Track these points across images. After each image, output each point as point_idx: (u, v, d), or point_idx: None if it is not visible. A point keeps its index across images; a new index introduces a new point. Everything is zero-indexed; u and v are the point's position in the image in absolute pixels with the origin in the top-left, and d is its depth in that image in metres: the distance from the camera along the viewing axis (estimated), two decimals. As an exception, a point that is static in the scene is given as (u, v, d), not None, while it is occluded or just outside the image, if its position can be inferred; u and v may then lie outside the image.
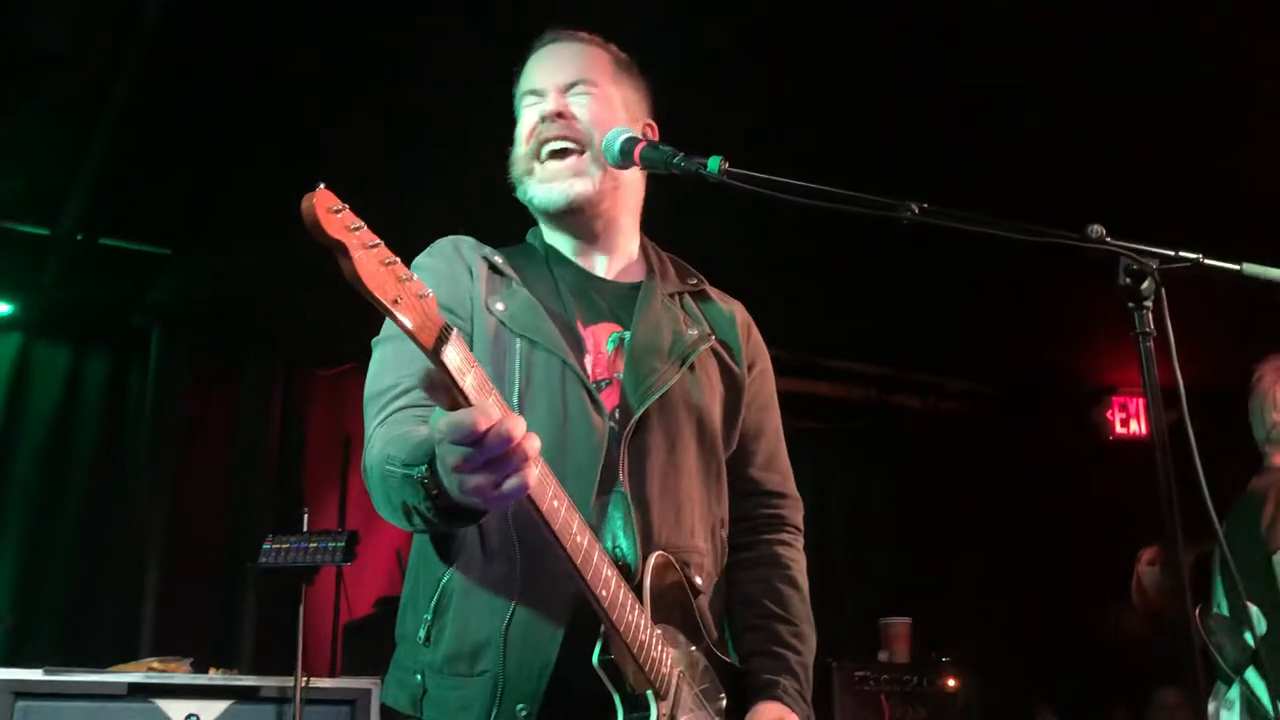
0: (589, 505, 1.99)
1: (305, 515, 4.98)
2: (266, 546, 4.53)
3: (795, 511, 2.41)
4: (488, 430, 1.55)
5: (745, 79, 4.43)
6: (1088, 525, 7.78)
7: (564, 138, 2.20)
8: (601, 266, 2.29)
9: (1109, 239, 1.80)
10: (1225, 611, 3.33)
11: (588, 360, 2.13)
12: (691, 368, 2.20)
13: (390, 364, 2.05)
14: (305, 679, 4.33)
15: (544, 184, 2.21)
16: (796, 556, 2.37)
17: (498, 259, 2.20)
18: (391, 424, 1.95)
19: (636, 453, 2.08)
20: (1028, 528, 7.85)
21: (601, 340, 2.18)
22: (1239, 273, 1.89)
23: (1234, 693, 3.31)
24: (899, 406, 7.86)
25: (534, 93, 2.26)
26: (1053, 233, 1.81)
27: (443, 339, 1.55)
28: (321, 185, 1.45)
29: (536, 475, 1.65)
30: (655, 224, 2.39)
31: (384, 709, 2.09)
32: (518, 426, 1.57)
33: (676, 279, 2.34)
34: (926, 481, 7.68)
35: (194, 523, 5.96)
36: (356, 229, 1.47)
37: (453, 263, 2.17)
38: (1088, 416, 7.95)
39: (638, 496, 2.05)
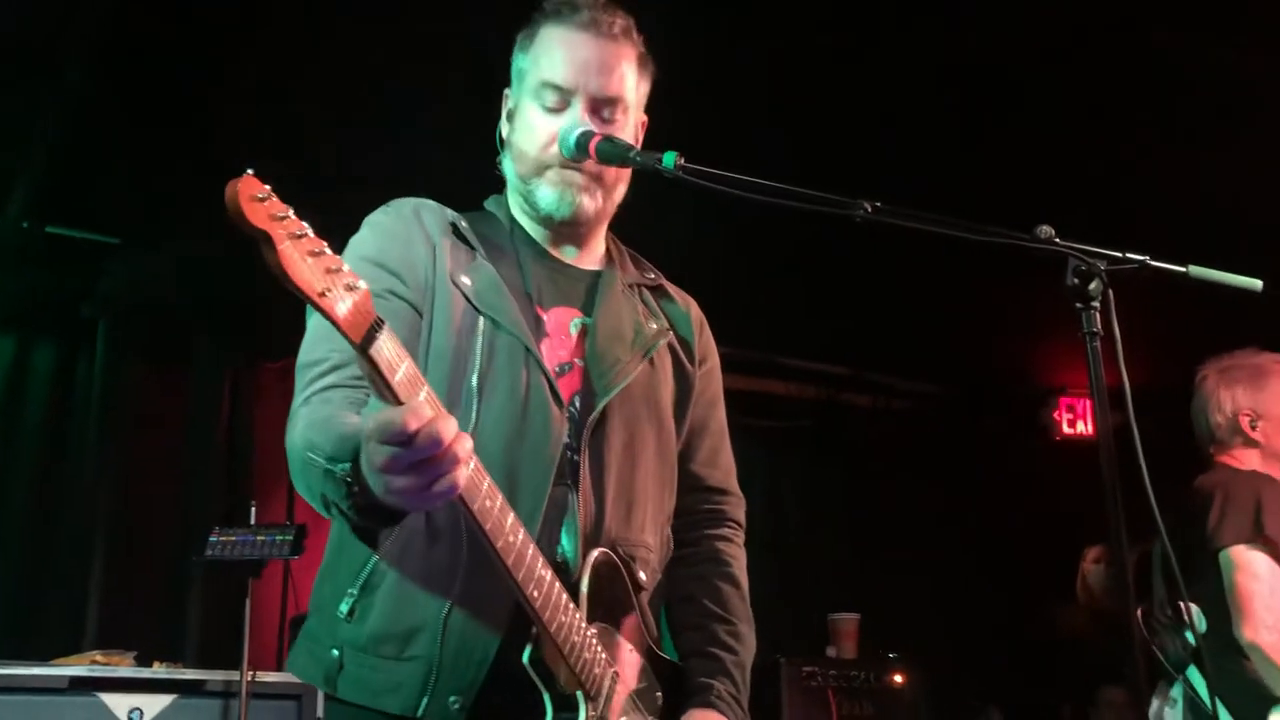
0: (544, 495, 1.97)
1: (253, 508, 4.94)
2: (213, 539, 4.49)
3: (737, 508, 2.40)
4: (418, 431, 1.50)
5: (706, 77, 4.44)
6: (1035, 524, 7.86)
7: (594, 174, 2.15)
8: (568, 254, 2.26)
9: (1058, 240, 1.83)
10: (1168, 610, 3.38)
11: (546, 344, 2.10)
12: (651, 361, 2.20)
13: (321, 334, 1.96)
14: (251, 673, 4.30)
15: (555, 188, 2.14)
16: (736, 553, 2.36)
17: (463, 224, 2.14)
18: (318, 403, 1.88)
19: (596, 444, 2.06)
20: (976, 526, 7.92)
21: (563, 324, 2.16)
22: (1185, 275, 1.92)
23: (1177, 690, 3.36)
24: (850, 405, 7.91)
25: (561, 91, 2.13)
26: (1002, 233, 1.83)
27: (372, 334, 1.49)
28: (248, 171, 1.40)
29: (467, 475, 1.60)
30: (615, 219, 2.38)
31: (329, 703, 2.00)
32: (448, 428, 1.53)
33: (636, 272, 2.33)
34: (877, 479, 7.73)
35: (140, 515, 5.87)
36: (282, 217, 1.41)
37: (410, 226, 2.10)
38: (1036, 417, 8.05)
39: (595, 490, 2.04)
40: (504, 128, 2.25)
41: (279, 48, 4.31)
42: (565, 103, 2.14)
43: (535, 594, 1.80)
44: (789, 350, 7.52)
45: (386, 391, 1.53)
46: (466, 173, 2.37)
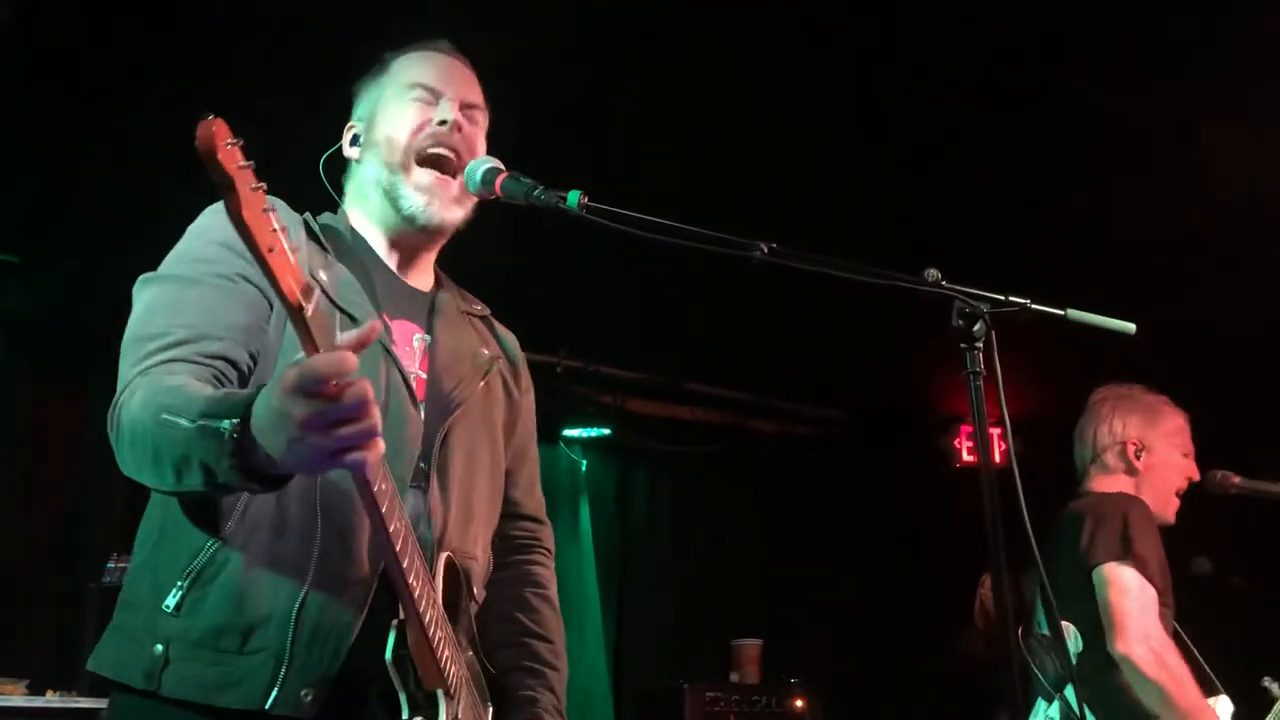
0: (404, 493, 1.95)
1: (152, 533, 4.84)
2: (110, 565, 4.42)
3: (548, 536, 2.47)
4: (352, 381, 1.45)
5: (596, 115, 4.51)
6: (935, 550, 8.01)
7: (455, 151, 2.18)
8: (406, 273, 2.25)
9: (944, 283, 1.90)
10: (1046, 631, 3.48)
11: (395, 350, 2.07)
12: (486, 384, 2.23)
13: (163, 307, 1.90)
14: (148, 702, 4.21)
15: (422, 194, 2.15)
16: (550, 577, 2.43)
17: (315, 224, 2.13)
18: (160, 373, 1.80)
19: (443, 456, 2.06)
20: (878, 552, 8.04)
21: (407, 336, 2.15)
22: (1064, 317, 2.01)
23: (1054, 709, 3.46)
24: (756, 431, 7.99)
25: (428, 89, 2.21)
26: (891, 275, 1.91)
27: (307, 296, 1.46)
28: (219, 118, 1.41)
29: (381, 452, 1.55)
30: (520, 248, 2.42)
31: (137, 701, 1.86)
32: (371, 389, 1.49)
33: (465, 302, 2.35)
34: (782, 505, 7.81)
35: (33, 539, 5.74)
36: (244, 167, 1.41)
37: None
38: (936, 444, 8.21)
39: (441, 497, 2.04)
40: (349, 153, 2.28)
41: (182, 70, 4.27)
42: (434, 101, 2.21)
43: (414, 583, 1.77)
44: (696, 376, 7.59)
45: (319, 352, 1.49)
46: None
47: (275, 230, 1.43)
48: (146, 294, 1.95)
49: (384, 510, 1.66)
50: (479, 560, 2.16)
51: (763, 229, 2.05)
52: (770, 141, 4.81)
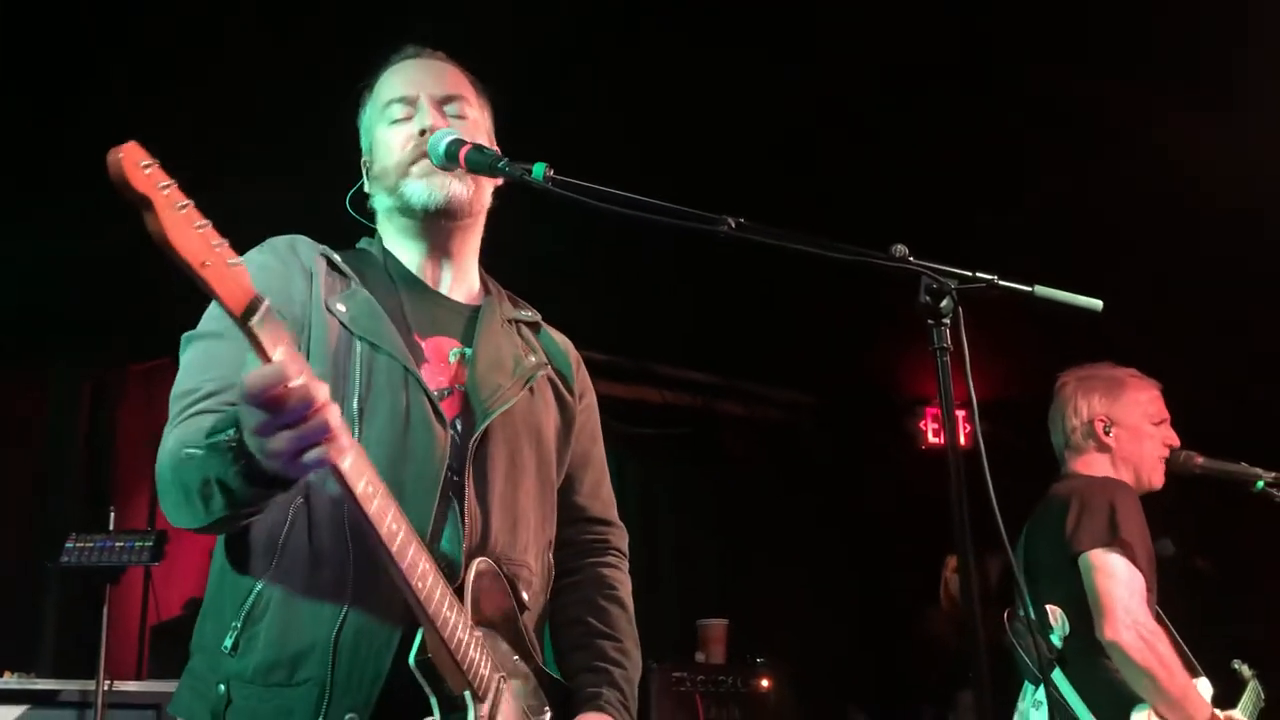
0: (429, 512, 1.96)
1: (112, 514, 4.81)
2: (69, 545, 4.37)
3: (620, 538, 2.46)
4: (291, 387, 1.51)
5: (569, 92, 4.49)
6: (900, 532, 8.07)
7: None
8: (444, 284, 2.26)
9: (911, 259, 1.89)
10: (1031, 614, 3.47)
11: (425, 369, 2.09)
12: (531, 390, 2.22)
13: (197, 365, 1.98)
14: (108, 683, 4.19)
15: (423, 179, 2.16)
16: (622, 579, 2.40)
17: (336, 257, 2.15)
18: (190, 421, 1.88)
19: (479, 464, 2.07)
20: (844, 534, 8.09)
21: (442, 352, 2.16)
22: (1031, 294, 2.00)
23: (1041, 693, 3.47)
24: (724, 414, 8.00)
25: (404, 101, 2.22)
26: (859, 251, 1.89)
27: (252, 308, 1.51)
28: (132, 141, 1.42)
29: (345, 449, 1.61)
30: (493, 228, 2.39)
31: None
32: (321, 390, 1.55)
33: (513, 309, 2.35)
34: (749, 487, 7.84)
35: (-7, 520, 5.69)
36: (165, 187, 1.42)
37: (288, 263, 2.09)
38: (902, 426, 8.25)
39: (480, 506, 2.04)
40: (370, 186, 2.30)
41: (149, 51, 4.22)
42: (411, 111, 2.22)
43: (420, 585, 1.79)
44: (664, 359, 7.59)
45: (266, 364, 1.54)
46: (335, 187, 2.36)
47: (213, 246, 1.47)
48: (186, 354, 2.03)
49: (371, 511, 1.70)
50: (530, 568, 2.15)
51: (730, 209, 2.02)
52: (739, 123, 4.80)
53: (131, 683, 4.34)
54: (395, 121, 2.22)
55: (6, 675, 4.25)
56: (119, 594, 4.71)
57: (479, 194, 2.22)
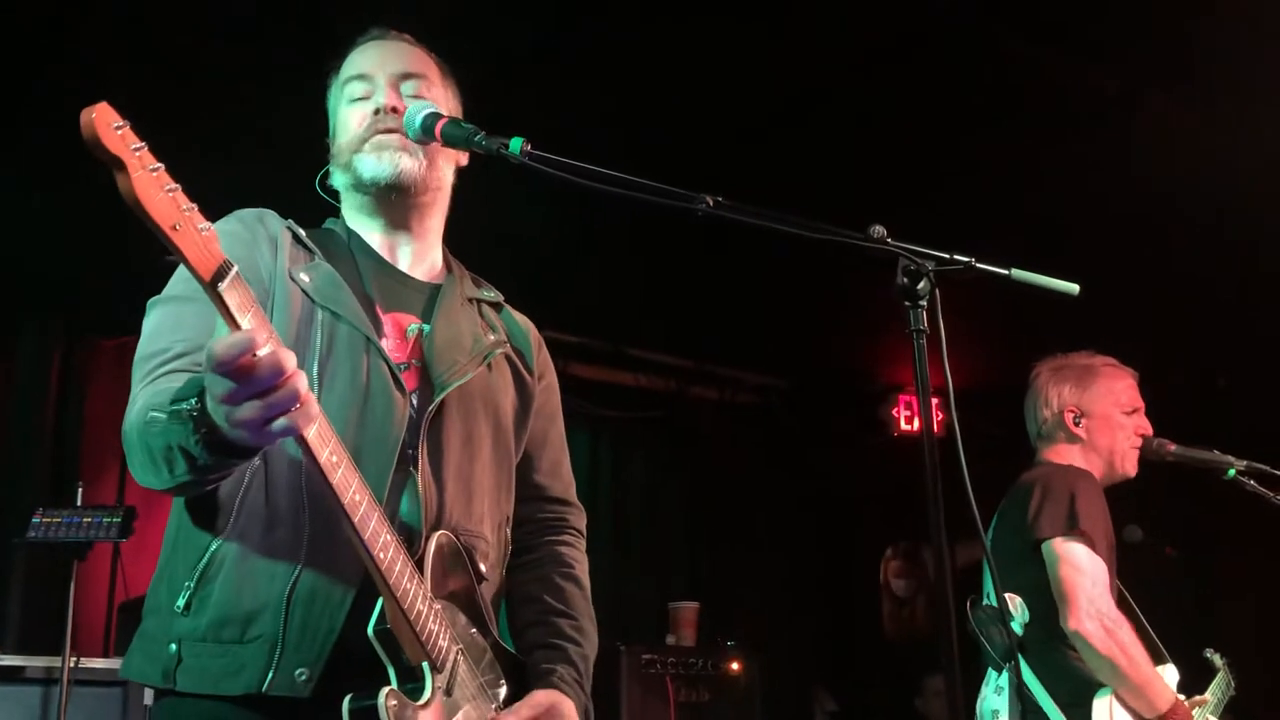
0: (385, 479, 1.98)
1: (80, 489, 4.77)
2: (35, 520, 4.34)
3: (578, 518, 2.47)
4: (260, 356, 1.52)
5: (551, 73, 4.47)
6: (871, 517, 8.11)
7: (395, 130, 2.20)
8: (405, 261, 2.28)
9: (890, 240, 1.89)
10: (994, 602, 3.49)
11: (386, 343, 2.12)
12: (489, 367, 2.24)
13: (166, 326, 1.99)
14: (74, 659, 4.16)
15: (374, 153, 2.19)
16: (579, 557, 2.42)
17: (301, 232, 2.18)
18: (159, 382, 1.88)
19: (434, 436, 2.09)
20: (816, 517, 8.12)
21: (401, 327, 2.18)
22: (1008, 277, 2.00)
23: (1004, 679, 3.49)
24: (697, 398, 8.00)
25: (362, 78, 2.25)
26: (837, 231, 1.89)
27: (221, 273, 1.52)
28: (103, 102, 1.42)
29: (313, 418, 1.62)
30: (467, 211, 2.39)
31: (163, 700, 1.98)
32: (290, 358, 1.55)
33: (475, 289, 2.37)
34: (721, 471, 7.85)
35: (-42, 495, 5.62)
36: (138, 149, 1.44)
37: (254, 230, 2.12)
38: (875, 413, 8.26)
39: (434, 477, 2.06)
40: (334, 166, 2.31)
41: (121, 16, 4.17)
42: (370, 90, 2.25)
43: (381, 556, 1.81)
44: (637, 342, 7.58)
45: (234, 329, 1.55)
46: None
47: (184, 210, 1.48)
48: (151, 317, 2.04)
49: (335, 481, 1.72)
50: (487, 540, 2.17)
51: (707, 188, 2.01)
52: (716, 101, 4.78)
53: (98, 660, 4.31)
54: (355, 100, 2.26)
55: (-29, 651, 4.22)
56: (86, 570, 4.67)
57: (433, 171, 2.24)
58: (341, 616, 1.90)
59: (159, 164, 1.46)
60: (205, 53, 4.33)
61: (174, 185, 1.47)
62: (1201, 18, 4.26)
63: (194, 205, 1.49)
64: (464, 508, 2.11)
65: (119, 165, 1.42)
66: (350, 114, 2.25)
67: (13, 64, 4.39)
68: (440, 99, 2.30)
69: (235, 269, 1.54)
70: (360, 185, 2.22)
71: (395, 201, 2.23)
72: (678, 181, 1.96)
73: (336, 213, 2.33)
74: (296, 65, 2.57)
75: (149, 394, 1.86)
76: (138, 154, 1.44)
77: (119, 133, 1.43)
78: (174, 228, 1.46)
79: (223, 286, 1.52)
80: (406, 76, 2.26)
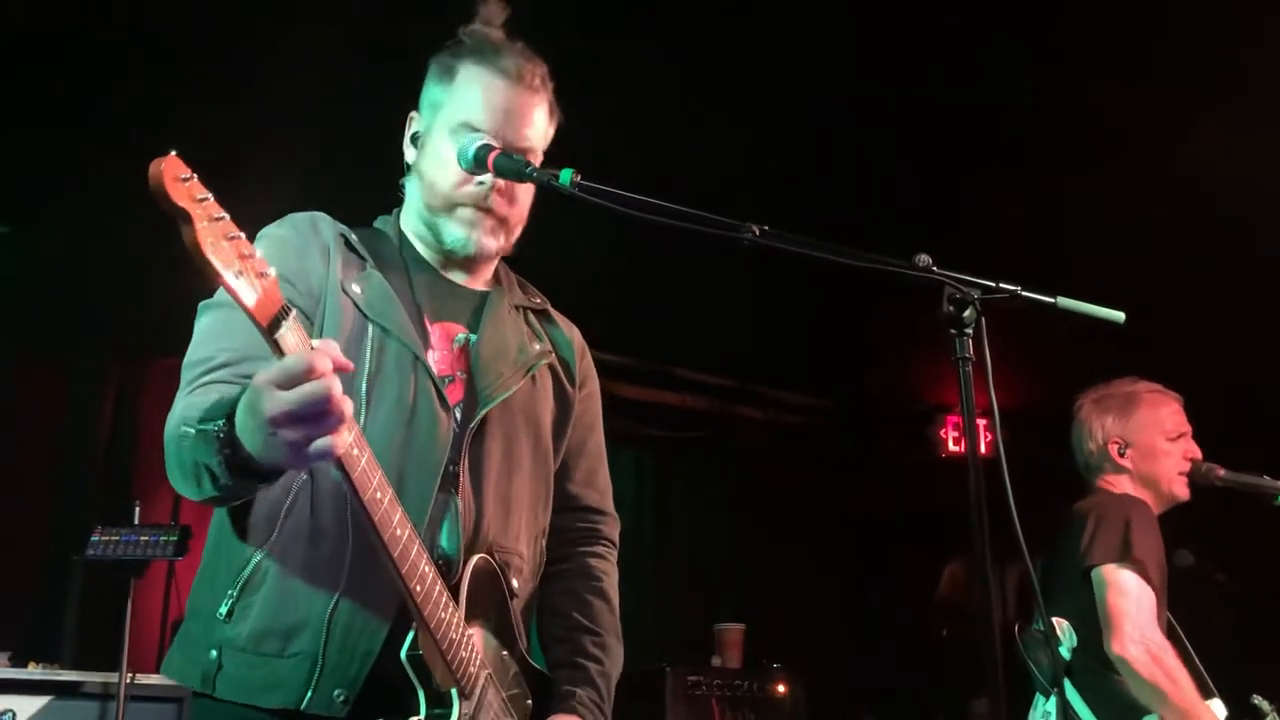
0: (428, 504, 2.01)
1: (136, 507, 4.85)
2: (94, 539, 4.41)
3: (612, 528, 2.48)
4: (316, 372, 1.52)
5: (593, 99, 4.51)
6: (918, 539, 8.05)
7: (491, 210, 2.19)
8: (456, 277, 2.30)
9: (935, 269, 1.90)
10: (1042, 627, 3.49)
11: (432, 355, 2.14)
12: (532, 379, 2.26)
13: (212, 333, 2.00)
14: (130, 675, 4.22)
15: (463, 227, 2.19)
16: (608, 569, 2.43)
17: (353, 237, 2.19)
18: (198, 393, 1.89)
19: (475, 453, 2.11)
20: (861, 540, 8.08)
21: (448, 337, 2.20)
22: (1054, 305, 2.01)
23: (1051, 704, 3.48)
24: (741, 418, 8.00)
25: (478, 133, 2.16)
26: (883, 260, 1.91)
27: (280, 318, 1.54)
28: (172, 152, 1.44)
29: (347, 444, 1.62)
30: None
31: (200, 703, 2.04)
32: (337, 384, 1.55)
33: (522, 296, 2.39)
34: (765, 492, 7.82)
35: (18, 513, 5.71)
36: (203, 199, 1.46)
37: (306, 237, 2.13)
38: (922, 433, 8.22)
39: (474, 496, 2.09)
40: (408, 151, 2.30)
41: (181, 38, 4.25)
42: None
43: (418, 589, 1.84)
44: (683, 362, 7.59)
45: None
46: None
47: (245, 256, 1.49)
48: (202, 321, 2.04)
49: (377, 519, 1.73)
50: (522, 555, 2.20)
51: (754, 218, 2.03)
52: (764, 131, 4.81)
53: (153, 676, 4.37)
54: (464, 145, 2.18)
55: (31, 666, 4.29)
56: (142, 587, 4.75)
57: (509, 241, 2.27)
58: (380, 639, 1.93)
59: (224, 213, 1.47)
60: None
61: (237, 232, 1.49)
62: (1246, 41, 4.25)
63: (255, 250, 1.51)
64: (501, 525, 2.14)
65: (184, 218, 1.43)
66: (453, 163, 2.17)
67: (74, 89, 4.49)
68: (538, 158, 2.25)
69: (294, 312, 1.56)
70: (436, 242, 2.24)
71: (463, 262, 2.27)
72: (723, 207, 1.99)
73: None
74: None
75: (185, 404, 1.88)
76: (203, 204, 1.45)
77: (186, 185, 1.44)
78: (236, 275, 1.47)
79: (279, 334, 1.54)
80: (519, 151, 2.17)
